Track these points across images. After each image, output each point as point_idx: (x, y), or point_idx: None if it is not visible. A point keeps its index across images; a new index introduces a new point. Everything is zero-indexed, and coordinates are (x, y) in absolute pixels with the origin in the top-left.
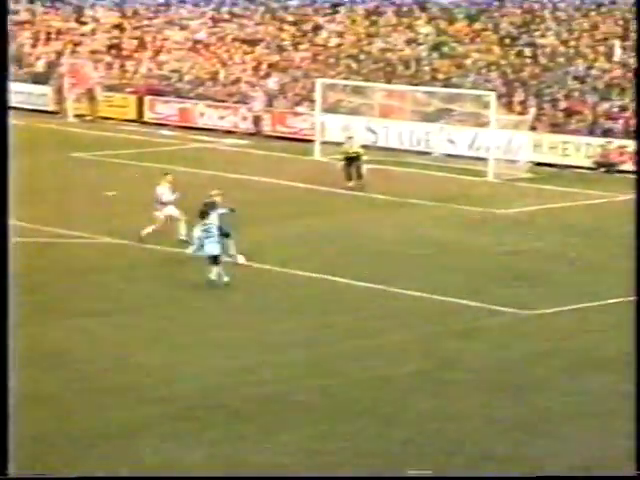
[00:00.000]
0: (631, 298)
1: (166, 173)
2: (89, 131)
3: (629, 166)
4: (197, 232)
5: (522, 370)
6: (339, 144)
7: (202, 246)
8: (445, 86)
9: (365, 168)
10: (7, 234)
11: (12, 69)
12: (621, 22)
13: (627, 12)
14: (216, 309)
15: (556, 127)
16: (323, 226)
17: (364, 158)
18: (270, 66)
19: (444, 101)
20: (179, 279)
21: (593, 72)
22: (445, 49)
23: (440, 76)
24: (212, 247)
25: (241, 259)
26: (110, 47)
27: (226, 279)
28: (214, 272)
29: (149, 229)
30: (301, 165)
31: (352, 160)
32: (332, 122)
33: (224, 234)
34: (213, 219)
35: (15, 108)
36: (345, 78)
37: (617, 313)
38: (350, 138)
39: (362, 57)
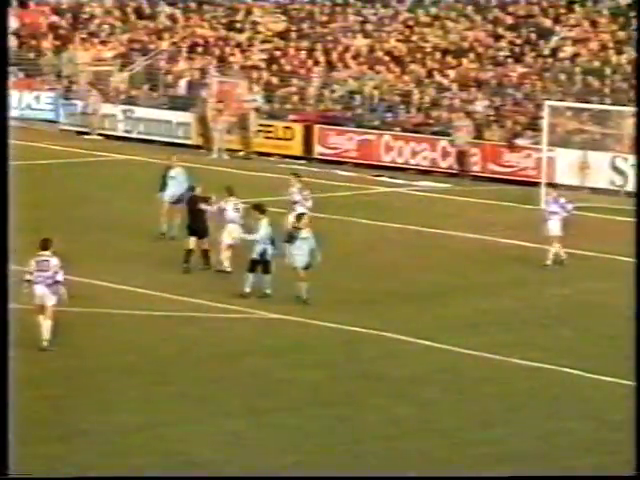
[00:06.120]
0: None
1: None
2: (240, 171)
3: None
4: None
5: None
6: (573, 188)
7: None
8: None
9: None
10: (7, 242)
11: (145, 90)
12: None
13: None
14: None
15: None
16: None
17: None
18: (480, 85)
19: None
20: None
21: None
22: None
23: None
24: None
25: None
26: (271, 61)
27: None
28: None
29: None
30: (521, 216)
31: None
32: (563, 158)
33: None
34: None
35: (147, 141)
36: (578, 100)
37: None
38: None
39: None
